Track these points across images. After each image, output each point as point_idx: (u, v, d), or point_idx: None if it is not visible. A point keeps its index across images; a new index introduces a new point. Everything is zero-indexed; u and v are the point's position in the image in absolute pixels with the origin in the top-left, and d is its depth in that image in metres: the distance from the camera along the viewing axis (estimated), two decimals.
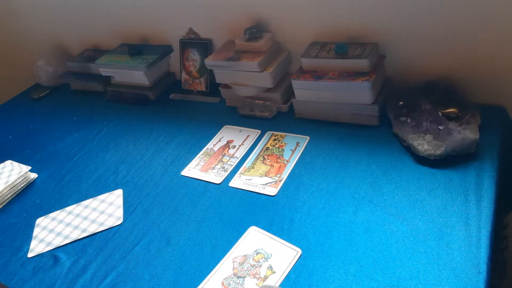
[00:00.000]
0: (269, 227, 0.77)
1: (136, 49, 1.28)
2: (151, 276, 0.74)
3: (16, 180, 1.00)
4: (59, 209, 0.92)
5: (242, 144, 1.00)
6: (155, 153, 1.04)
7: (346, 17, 1.00)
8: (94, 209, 0.90)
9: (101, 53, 1.34)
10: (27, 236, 0.88)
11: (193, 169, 0.96)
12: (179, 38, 1.25)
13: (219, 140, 1.03)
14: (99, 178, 0.99)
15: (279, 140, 0.98)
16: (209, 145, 1.02)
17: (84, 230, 0.86)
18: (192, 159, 0.99)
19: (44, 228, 0.89)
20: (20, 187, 1.01)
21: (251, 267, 0.71)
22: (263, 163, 0.93)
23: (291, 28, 1.08)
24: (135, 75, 1.25)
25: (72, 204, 0.93)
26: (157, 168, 0.99)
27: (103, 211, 0.89)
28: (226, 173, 0.92)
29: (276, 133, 1.01)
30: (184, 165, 0.98)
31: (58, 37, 1.53)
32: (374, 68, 0.94)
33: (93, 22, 1.40)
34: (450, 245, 0.67)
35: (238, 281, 0.69)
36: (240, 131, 1.05)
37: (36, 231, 0.88)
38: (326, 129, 0.98)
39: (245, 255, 0.73)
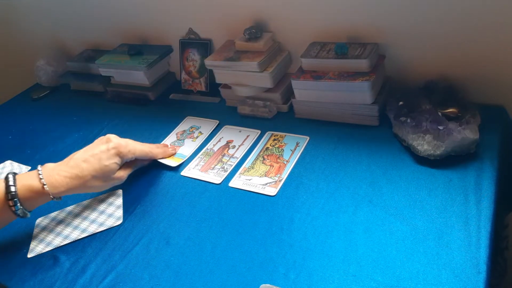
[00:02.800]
0: (268, 227, 0.78)
1: (136, 49, 1.28)
2: (150, 276, 0.74)
3: None
4: (59, 209, 0.93)
5: (242, 144, 1.00)
6: None
7: (346, 17, 1.00)
8: (94, 209, 0.90)
9: (101, 53, 1.34)
10: (27, 236, 0.88)
11: (193, 169, 0.96)
12: (179, 38, 1.25)
13: (219, 140, 1.03)
14: None
15: (279, 140, 0.98)
16: (209, 145, 1.02)
17: (84, 230, 0.86)
18: (192, 159, 0.99)
19: (44, 228, 0.89)
20: None
21: None
22: (262, 163, 0.93)
23: (291, 28, 1.08)
24: (135, 75, 1.25)
25: (72, 204, 0.93)
26: (156, 168, 0.99)
27: (103, 211, 0.89)
28: (226, 173, 0.92)
29: (276, 133, 1.01)
30: (183, 165, 0.98)
31: (58, 37, 1.54)
32: (374, 68, 0.94)
33: (93, 22, 1.40)
34: (449, 245, 0.67)
35: None
36: (240, 131, 1.05)
37: (36, 231, 0.88)
38: (326, 129, 0.98)
39: None
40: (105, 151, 0.85)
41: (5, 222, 0.82)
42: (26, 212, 0.80)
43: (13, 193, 0.77)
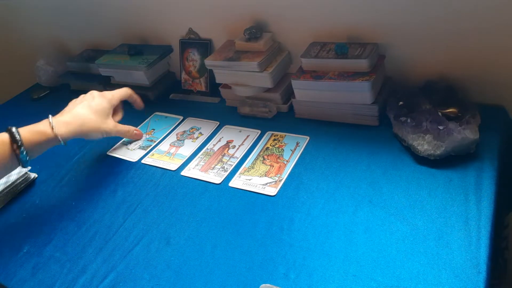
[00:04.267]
0: (268, 227, 0.78)
1: (136, 49, 1.28)
2: (151, 276, 0.74)
3: (16, 180, 1.00)
4: (58, 210, 0.92)
5: (242, 144, 1.00)
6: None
7: (346, 17, 1.00)
8: None
9: (101, 53, 1.34)
10: (27, 236, 0.88)
11: (193, 169, 0.96)
12: (179, 38, 1.25)
13: (219, 140, 1.03)
14: (99, 178, 0.99)
15: (279, 140, 0.98)
16: (209, 145, 1.02)
17: None
18: (192, 159, 0.99)
19: None
20: (20, 187, 1.01)
21: None
22: (263, 163, 0.93)
23: (291, 28, 1.08)
24: (135, 75, 1.25)
25: (71, 203, 0.93)
26: (156, 168, 0.99)
27: None
28: (226, 173, 0.92)
29: (276, 133, 1.01)
30: (184, 165, 0.98)
31: (58, 37, 1.53)
32: (374, 68, 0.94)
33: (93, 22, 1.40)
34: (450, 245, 0.67)
35: None
36: (240, 131, 1.05)
37: None
38: (326, 129, 0.98)
39: None
40: (90, 98, 0.99)
41: (6, 169, 0.86)
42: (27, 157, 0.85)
43: (17, 135, 0.84)
